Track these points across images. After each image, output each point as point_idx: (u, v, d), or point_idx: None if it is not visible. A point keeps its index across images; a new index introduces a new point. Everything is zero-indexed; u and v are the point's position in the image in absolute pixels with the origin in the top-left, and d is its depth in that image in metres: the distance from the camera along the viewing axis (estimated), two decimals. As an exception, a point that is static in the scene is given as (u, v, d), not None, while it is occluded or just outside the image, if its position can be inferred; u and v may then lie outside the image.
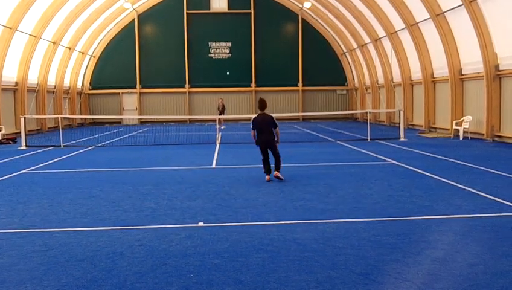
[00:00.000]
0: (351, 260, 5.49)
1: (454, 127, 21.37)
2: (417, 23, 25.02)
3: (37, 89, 28.57)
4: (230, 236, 6.53)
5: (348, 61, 38.43)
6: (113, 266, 5.43)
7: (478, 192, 9.18)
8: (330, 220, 7.30)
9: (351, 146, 18.25)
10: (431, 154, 15.25)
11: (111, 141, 22.59)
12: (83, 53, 35.16)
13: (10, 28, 23.48)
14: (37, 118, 27.56)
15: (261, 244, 6.15)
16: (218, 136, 22.20)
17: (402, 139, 20.34)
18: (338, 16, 33.90)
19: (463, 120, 21.00)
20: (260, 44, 38.35)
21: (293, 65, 38.58)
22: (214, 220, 7.45)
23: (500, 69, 19.05)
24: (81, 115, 35.75)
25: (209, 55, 38.52)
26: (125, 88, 38.04)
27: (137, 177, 11.79)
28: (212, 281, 4.95)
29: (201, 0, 38.08)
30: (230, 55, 38.58)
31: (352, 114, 38.30)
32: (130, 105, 38.25)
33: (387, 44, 29.69)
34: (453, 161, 13.72)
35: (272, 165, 11.01)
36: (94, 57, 37.81)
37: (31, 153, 17.58)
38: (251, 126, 11.13)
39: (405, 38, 27.14)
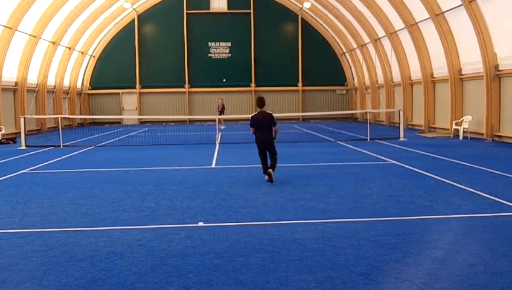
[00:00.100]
0: (351, 260, 5.49)
1: (454, 127, 21.38)
2: (417, 23, 25.03)
3: (36, 89, 28.56)
4: (230, 236, 6.53)
5: (348, 61, 38.44)
6: (113, 266, 5.43)
7: (478, 192, 9.18)
8: (330, 220, 7.30)
9: (350, 146, 18.25)
10: (431, 154, 15.25)
11: (111, 141, 22.59)
12: (82, 53, 35.16)
13: (10, 28, 23.47)
14: (36, 118, 27.56)
15: (261, 244, 6.15)
16: (218, 136, 22.20)
17: (402, 139, 20.35)
18: (338, 16, 33.90)
19: (463, 120, 21.00)
20: (260, 44, 38.36)
21: (292, 65, 38.58)
22: (214, 220, 7.45)
23: (500, 69, 19.06)
24: (81, 115, 35.75)
25: (209, 55, 38.53)
26: (125, 88, 38.05)
27: (137, 177, 11.79)
28: (212, 281, 4.95)
29: (201, 0, 38.08)
30: (230, 55, 38.59)
31: (352, 114, 38.31)
32: (129, 105, 38.25)
33: (387, 44, 29.69)
34: (453, 160, 13.72)
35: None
36: (94, 57, 37.81)
37: (31, 153, 17.58)
38: (250, 124, 10.92)
39: (405, 38, 27.14)
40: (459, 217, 7.42)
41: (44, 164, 14.39)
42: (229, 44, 38.55)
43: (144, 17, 38.02)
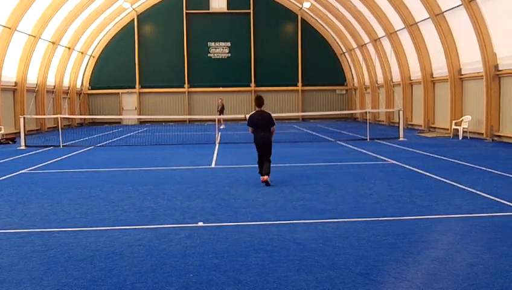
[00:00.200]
0: (350, 260, 5.49)
1: (453, 126, 21.38)
2: (416, 23, 25.03)
3: (36, 89, 28.55)
4: (230, 236, 6.53)
5: (348, 61, 38.44)
6: (112, 266, 5.43)
7: (478, 192, 9.18)
8: (330, 220, 7.30)
9: (350, 146, 18.25)
10: (430, 154, 15.26)
11: (110, 141, 22.59)
12: (82, 53, 35.15)
13: (9, 28, 23.47)
14: (36, 118, 27.55)
15: (261, 244, 6.15)
16: (218, 136, 22.20)
17: (401, 139, 20.35)
18: (337, 15, 33.91)
19: (462, 120, 21.01)
20: (259, 44, 38.36)
21: (292, 65, 38.59)
22: (214, 220, 7.45)
23: (500, 69, 19.06)
24: (80, 115, 35.75)
25: (209, 55, 38.52)
26: (125, 88, 38.05)
27: (137, 177, 11.79)
28: (212, 281, 4.94)
29: (200, 0, 38.08)
30: (229, 55, 38.59)
31: (352, 114, 38.31)
32: (129, 105, 38.25)
33: (386, 44, 29.70)
34: (453, 160, 13.72)
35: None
36: (93, 57, 37.80)
37: (31, 153, 17.57)
38: (247, 123, 10.70)
39: (404, 38, 27.15)
40: (458, 217, 7.42)
41: (44, 164, 14.39)
42: (228, 44, 38.55)
43: (144, 17, 38.02)
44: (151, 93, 38.18)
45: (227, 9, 38.32)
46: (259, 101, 10.60)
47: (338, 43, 38.59)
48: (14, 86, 25.94)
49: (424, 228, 6.81)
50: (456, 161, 13.66)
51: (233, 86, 38.24)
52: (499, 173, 11.41)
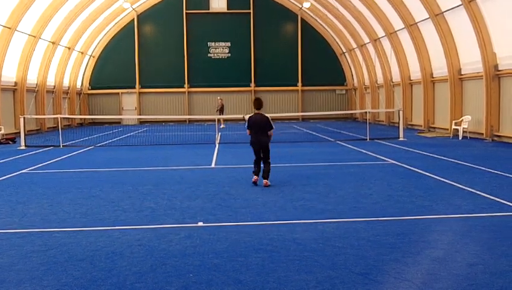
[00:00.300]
0: (350, 260, 5.49)
1: (453, 126, 21.38)
2: (416, 23, 25.03)
3: (36, 89, 28.55)
4: (230, 236, 6.53)
5: (347, 61, 38.44)
6: (112, 266, 5.43)
7: (477, 192, 9.19)
8: (330, 220, 7.30)
9: (350, 146, 18.26)
10: (430, 154, 15.26)
11: (110, 141, 22.59)
12: (82, 53, 35.15)
13: (9, 28, 23.47)
14: (36, 118, 27.55)
15: (261, 244, 6.15)
16: (218, 136, 22.20)
17: (401, 139, 20.35)
18: (337, 15, 33.91)
19: (462, 120, 21.01)
20: (259, 44, 38.35)
21: (292, 65, 38.58)
22: (214, 220, 7.45)
23: (499, 69, 19.07)
24: (80, 115, 35.75)
25: (209, 55, 38.52)
26: (125, 88, 38.04)
27: (137, 177, 11.79)
28: (212, 281, 4.95)
29: (200, 0, 38.07)
30: (229, 55, 38.58)
31: (352, 114, 38.30)
32: (129, 105, 38.25)
33: (386, 44, 29.70)
34: (453, 160, 13.73)
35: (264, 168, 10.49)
36: (93, 57, 37.80)
37: (31, 153, 17.57)
38: (246, 125, 10.66)
39: (404, 38, 27.15)
40: (458, 217, 7.42)
41: (44, 164, 14.39)
42: (228, 44, 38.54)
43: (144, 17, 38.01)
44: (151, 93, 38.17)
45: (227, 9, 38.31)
46: (257, 103, 10.53)
47: (338, 43, 38.59)
48: (14, 86, 25.94)
49: (424, 228, 6.81)
50: (455, 161, 13.67)
51: (233, 86, 38.23)
52: (499, 173, 11.42)
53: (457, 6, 20.30)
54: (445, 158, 14.23)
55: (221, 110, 31.43)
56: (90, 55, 37.39)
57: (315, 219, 7.38)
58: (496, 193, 8.98)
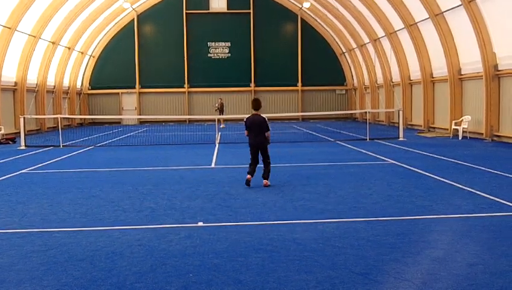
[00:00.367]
0: (350, 260, 5.50)
1: (453, 126, 21.38)
2: (416, 23, 25.04)
3: (36, 89, 28.55)
4: (230, 236, 6.53)
5: (347, 61, 38.45)
6: (112, 266, 5.43)
7: (477, 192, 9.19)
8: (330, 220, 7.30)
9: (350, 146, 18.26)
10: (430, 154, 15.26)
11: (110, 141, 22.59)
12: (82, 53, 35.15)
13: (9, 28, 23.47)
14: (36, 118, 27.56)
15: (261, 244, 6.15)
16: (218, 136, 22.21)
17: (401, 139, 20.35)
18: (337, 15, 33.91)
19: (462, 120, 21.01)
20: (259, 44, 38.36)
21: (292, 65, 38.59)
22: (214, 220, 7.45)
23: (499, 68, 19.07)
24: (80, 115, 35.75)
25: (209, 55, 38.52)
26: (125, 88, 38.04)
27: (137, 177, 11.79)
28: (212, 281, 4.95)
29: (200, 0, 38.07)
30: (229, 55, 38.59)
31: (352, 114, 38.31)
32: (129, 105, 38.25)
33: (386, 44, 29.70)
34: (452, 160, 13.73)
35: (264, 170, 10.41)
36: (93, 56, 37.80)
37: (31, 153, 17.57)
38: (244, 126, 10.66)
39: (404, 38, 27.15)
40: (458, 217, 7.43)
41: (44, 164, 14.39)
42: (228, 44, 38.55)
43: (144, 17, 38.01)
44: (151, 93, 38.18)
45: (227, 9, 38.31)
46: (255, 104, 10.55)
47: (338, 43, 38.59)
48: (14, 86, 25.94)
49: (424, 228, 6.81)
50: (455, 160, 13.67)
51: (233, 86, 38.23)
52: (499, 173, 11.42)
53: (457, 6, 20.30)
54: (445, 158, 14.23)
55: (221, 110, 31.42)
56: (90, 55, 37.39)
57: (315, 219, 7.38)
58: (495, 193, 8.99)
